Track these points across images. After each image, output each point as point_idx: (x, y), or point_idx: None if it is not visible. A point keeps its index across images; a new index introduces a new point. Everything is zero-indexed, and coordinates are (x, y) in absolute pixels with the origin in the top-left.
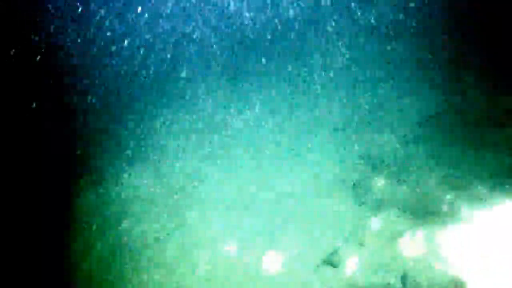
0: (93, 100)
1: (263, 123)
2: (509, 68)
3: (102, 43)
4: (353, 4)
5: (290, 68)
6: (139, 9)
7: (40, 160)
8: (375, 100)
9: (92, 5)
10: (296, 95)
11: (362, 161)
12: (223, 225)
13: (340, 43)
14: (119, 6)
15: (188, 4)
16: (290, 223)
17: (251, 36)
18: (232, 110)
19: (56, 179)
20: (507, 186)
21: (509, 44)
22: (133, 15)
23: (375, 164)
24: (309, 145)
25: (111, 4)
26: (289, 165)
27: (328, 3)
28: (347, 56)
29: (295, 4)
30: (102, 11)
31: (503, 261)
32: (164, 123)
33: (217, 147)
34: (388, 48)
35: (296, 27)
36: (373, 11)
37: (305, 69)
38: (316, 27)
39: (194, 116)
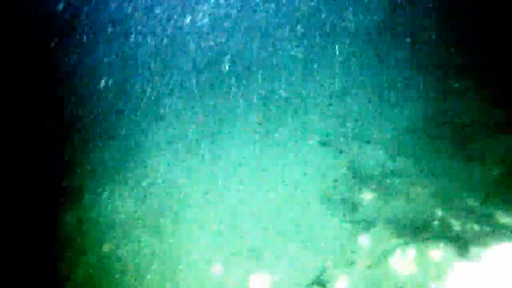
0: (71, 114)
1: (246, 137)
2: (499, 75)
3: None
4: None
5: (273, 79)
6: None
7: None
8: (360, 110)
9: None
10: (279, 106)
11: (349, 175)
12: (208, 246)
13: (323, 50)
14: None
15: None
16: (277, 242)
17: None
18: (215, 126)
19: (32, 197)
20: (497, 198)
21: (498, 50)
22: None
23: (362, 178)
24: (294, 159)
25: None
26: (273, 181)
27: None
28: (330, 64)
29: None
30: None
31: (499, 276)
32: (148, 139)
33: (201, 163)
34: (371, 53)
35: (276, 35)
36: (353, 14)
37: (289, 76)
38: (296, 35)
39: (177, 132)
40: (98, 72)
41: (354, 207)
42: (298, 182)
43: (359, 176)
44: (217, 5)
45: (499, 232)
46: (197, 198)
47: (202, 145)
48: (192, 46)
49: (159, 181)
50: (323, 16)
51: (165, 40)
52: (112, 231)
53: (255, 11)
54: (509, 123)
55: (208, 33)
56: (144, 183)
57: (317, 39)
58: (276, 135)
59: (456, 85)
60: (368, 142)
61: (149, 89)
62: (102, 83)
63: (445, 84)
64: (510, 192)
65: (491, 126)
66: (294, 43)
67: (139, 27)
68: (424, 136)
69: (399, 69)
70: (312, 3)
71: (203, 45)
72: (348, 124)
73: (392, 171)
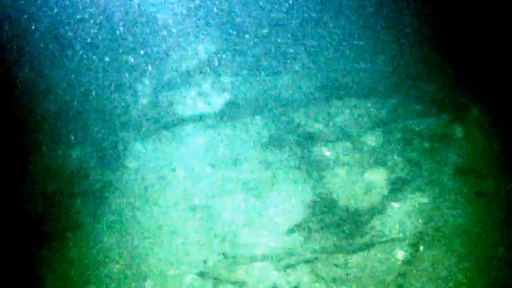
0: None
1: None
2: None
3: None
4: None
5: None
6: None
7: None
8: (231, 221)
9: None
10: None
11: None
12: None
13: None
14: None
15: None
16: None
17: None
18: None
19: None
20: None
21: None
22: None
23: None
24: None
25: None
26: None
27: None
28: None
29: None
30: None
31: None
32: None
33: None
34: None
35: None
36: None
37: None
38: None
39: None
40: None
41: None
42: None
43: None
44: None
45: None
46: None
47: None
48: None
49: None
50: None
51: None
52: None
53: None
54: (394, 189)
55: None
56: None
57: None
58: (148, 282)
59: (327, 153)
60: (253, 259)
61: None
62: None
63: (314, 153)
64: (421, 277)
65: (376, 199)
66: None
67: None
68: (309, 233)
69: (255, 148)
70: None
71: None
72: (226, 241)
73: None
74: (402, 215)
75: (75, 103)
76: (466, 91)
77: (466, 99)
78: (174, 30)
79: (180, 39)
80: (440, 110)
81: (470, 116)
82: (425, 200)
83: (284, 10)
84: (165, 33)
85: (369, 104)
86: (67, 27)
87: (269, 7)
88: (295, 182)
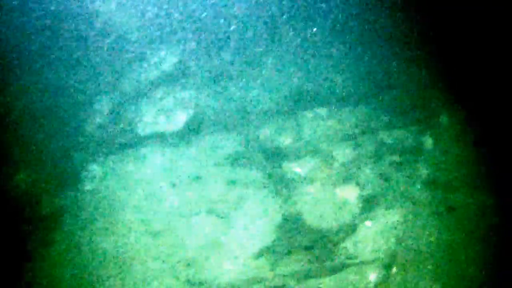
0: None
1: None
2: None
3: None
4: None
5: None
6: None
7: None
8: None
9: None
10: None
11: None
12: None
13: None
14: None
15: None
16: None
17: None
18: None
19: None
20: None
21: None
22: None
23: None
24: None
25: None
26: None
27: None
28: None
29: None
30: None
31: None
32: None
33: None
34: None
35: None
36: None
37: None
38: None
39: None
40: None
41: None
42: None
43: None
44: None
45: None
46: None
47: None
48: None
49: None
50: None
51: None
52: None
53: None
54: (365, 206)
55: None
56: None
57: None
58: None
59: (297, 170)
60: (219, 286)
61: None
62: None
63: (282, 169)
64: None
65: (347, 218)
66: None
67: None
68: (278, 256)
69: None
70: None
71: None
72: (190, 267)
73: None
74: (374, 235)
75: (21, 121)
76: (435, 100)
77: (436, 108)
78: (134, 39)
79: (141, 49)
80: (410, 120)
81: (440, 125)
82: (397, 217)
83: (252, 19)
84: (124, 43)
85: (339, 115)
86: (17, 39)
87: (235, 16)
88: (262, 201)
